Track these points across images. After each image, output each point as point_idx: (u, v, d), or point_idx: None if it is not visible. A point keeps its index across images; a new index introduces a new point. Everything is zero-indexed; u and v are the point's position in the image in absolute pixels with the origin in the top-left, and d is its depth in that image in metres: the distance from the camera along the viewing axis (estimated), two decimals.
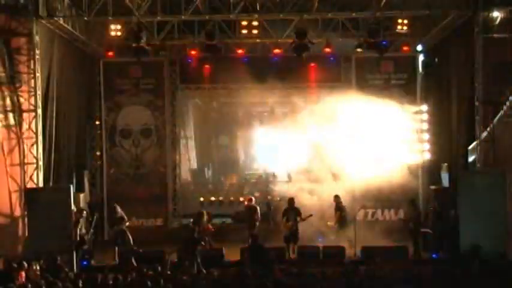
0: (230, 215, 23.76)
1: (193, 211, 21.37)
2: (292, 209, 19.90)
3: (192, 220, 20.14)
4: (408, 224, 19.79)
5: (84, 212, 19.47)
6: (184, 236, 18.35)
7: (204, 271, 16.77)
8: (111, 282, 13.57)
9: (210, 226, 19.98)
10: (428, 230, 19.68)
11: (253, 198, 21.79)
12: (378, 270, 14.47)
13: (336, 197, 21.32)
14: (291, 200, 20.27)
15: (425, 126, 22.83)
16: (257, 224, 20.45)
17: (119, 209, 20.17)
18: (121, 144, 23.44)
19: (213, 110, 30.11)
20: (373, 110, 22.42)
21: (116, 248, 19.09)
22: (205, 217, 19.80)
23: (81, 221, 18.89)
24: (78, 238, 18.44)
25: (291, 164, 29.30)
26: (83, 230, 18.83)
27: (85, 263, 18.51)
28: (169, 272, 15.48)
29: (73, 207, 18.52)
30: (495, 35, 18.45)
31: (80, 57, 21.76)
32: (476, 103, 18.64)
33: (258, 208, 20.99)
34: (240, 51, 21.66)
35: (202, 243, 18.23)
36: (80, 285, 13.34)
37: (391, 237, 20.15)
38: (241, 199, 24.79)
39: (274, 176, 28.77)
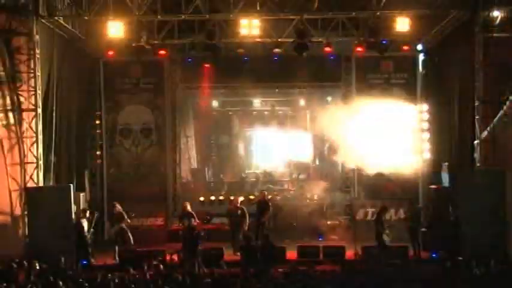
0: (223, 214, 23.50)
1: (193, 210, 21.32)
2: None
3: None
4: (408, 223, 19.79)
5: (88, 212, 19.42)
6: (184, 236, 18.37)
7: (205, 270, 16.79)
8: (111, 281, 13.58)
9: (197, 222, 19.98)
10: (428, 230, 19.69)
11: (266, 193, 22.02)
12: (378, 270, 14.48)
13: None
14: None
15: (426, 125, 22.82)
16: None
17: (118, 207, 20.14)
18: (121, 144, 23.40)
19: (213, 110, 30.14)
20: (373, 109, 22.41)
21: (116, 248, 19.12)
22: (188, 207, 19.88)
23: (84, 220, 18.89)
24: (80, 238, 18.45)
25: (291, 163, 29.41)
26: (85, 231, 18.81)
27: (85, 262, 18.50)
28: (169, 272, 15.48)
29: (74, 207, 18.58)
30: (495, 35, 18.44)
31: (80, 57, 21.74)
32: (476, 103, 18.65)
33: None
34: (240, 50, 21.63)
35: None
36: (80, 284, 13.35)
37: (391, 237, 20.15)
38: (241, 198, 24.80)
39: (273, 175, 28.83)
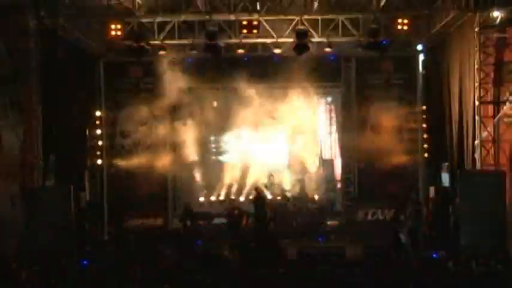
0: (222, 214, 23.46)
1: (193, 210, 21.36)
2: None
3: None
4: (408, 223, 19.81)
5: (89, 212, 19.46)
6: (185, 235, 18.41)
7: (204, 270, 16.78)
8: (112, 281, 13.60)
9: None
10: (428, 230, 19.71)
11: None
12: (379, 270, 14.49)
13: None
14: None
15: (425, 126, 22.83)
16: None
17: (119, 207, 20.16)
18: (121, 144, 23.42)
19: (213, 110, 30.09)
20: (373, 109, 22.43)
21: (117, 248, 19.14)
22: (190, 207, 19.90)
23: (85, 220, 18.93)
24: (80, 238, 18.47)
25: (291, 163, 29.38)
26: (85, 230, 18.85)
27: (85, 262, 18.50)
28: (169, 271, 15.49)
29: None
30: (495, 35, 18.45)
31: (80, 57, 21.75)
32: (477, 103, 18.65)
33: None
34: (240, 51, 21.64)
35: None
36: (81, 284, 13.36)
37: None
38: (241, 199, 24.84)
39: (273, 175, 28.79)
